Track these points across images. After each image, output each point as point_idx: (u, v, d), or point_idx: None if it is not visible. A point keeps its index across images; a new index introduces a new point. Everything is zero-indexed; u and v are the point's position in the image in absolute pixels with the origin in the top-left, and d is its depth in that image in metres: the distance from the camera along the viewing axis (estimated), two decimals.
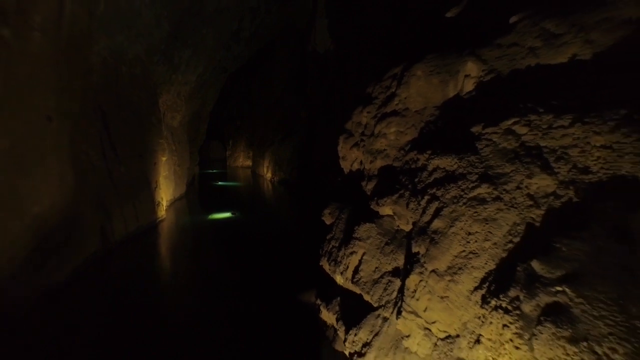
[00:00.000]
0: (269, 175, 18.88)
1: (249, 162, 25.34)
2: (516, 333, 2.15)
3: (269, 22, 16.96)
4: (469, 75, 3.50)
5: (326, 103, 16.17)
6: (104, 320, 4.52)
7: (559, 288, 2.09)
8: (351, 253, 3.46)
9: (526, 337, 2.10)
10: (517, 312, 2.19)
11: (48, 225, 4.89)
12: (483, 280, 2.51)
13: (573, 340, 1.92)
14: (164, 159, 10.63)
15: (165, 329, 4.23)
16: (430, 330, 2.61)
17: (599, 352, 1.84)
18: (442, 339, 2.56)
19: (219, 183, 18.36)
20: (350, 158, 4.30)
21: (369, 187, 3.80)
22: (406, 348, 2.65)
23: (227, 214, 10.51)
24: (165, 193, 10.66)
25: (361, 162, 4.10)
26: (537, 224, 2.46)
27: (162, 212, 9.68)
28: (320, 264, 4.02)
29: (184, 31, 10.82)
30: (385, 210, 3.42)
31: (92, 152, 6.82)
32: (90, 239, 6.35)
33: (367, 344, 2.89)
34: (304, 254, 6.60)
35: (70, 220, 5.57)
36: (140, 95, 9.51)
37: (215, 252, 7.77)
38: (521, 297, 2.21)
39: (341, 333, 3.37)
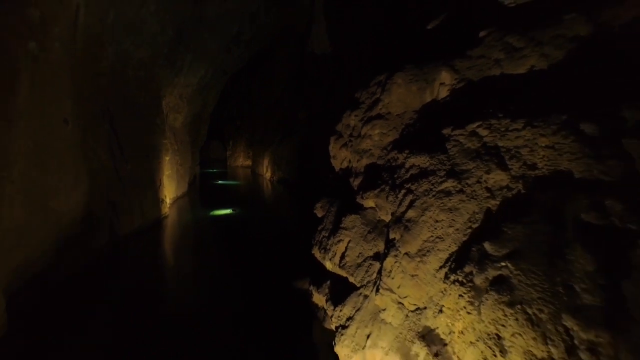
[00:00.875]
0: (268, 174, 19.31)
1: (248, 162, 25.77)
2: (469, 301, 2.59)
3: (269, 24, 17.37)
4: (444, 83, 3.94)
5: (326, 104, 16.59)
6: (120, 305, 4.96)
7: (503, 264, 2.53)
8: (338, 241, 3.90)
9: (476, 304, 2.54)
10: (470, 284, 2.63)
11: (65, 220, 5.33)
12: (447, 260, 2.96)
13: (510, 304, 2.36)
14: (167, 158, 11.07)
15: (170, 315, 4.68)
16: (402, 304, 3.05)
17: (529, 312, 2.28)
18: (412, 311, 3.00)
19: (219, 182, 18.80)
20: (340, 157, 4.74)
21: (355, 182, 4.24)
22: (382, 319, 3.09)
23: (227, 210, 10.97)
24: (169, 191, 11.10)
25: (349, 161, 4.53)
26: (492, 212, 2.90)
27: (165, 209, 10.13)
28: (312, 252, 4.46)
29: (186, 36, 11.25)
30: (369, 203, 3.86)
31: (102, 151, 7.26)
32: (100, 233, 6.79)
33: (350, 318, 3.33)
34: (299, 247, 7.03)
35: (82, 216, 6.01)
36: (145, 97, 9.96)
37: (217, 245, 8.23)
38: (474, 272, 2.65)
39: (330, 312, 3.81)
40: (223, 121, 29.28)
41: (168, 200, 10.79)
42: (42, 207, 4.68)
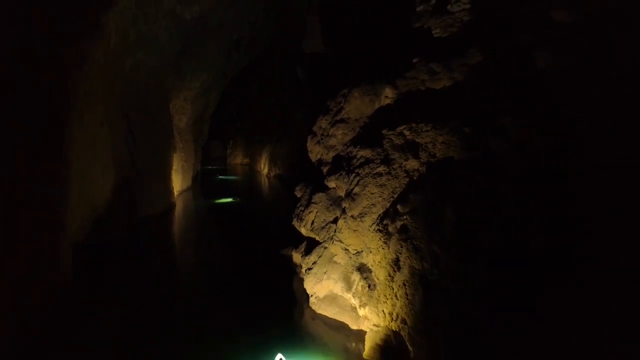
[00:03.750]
0: (265, 171, 20.69)
1: (247, 160, 27.13)
2: (384, 242, 4.00)
3: (267, 30, 18.70)
4: (387, 96, 5.34)
5: (320, 104, 17.90)
6: (145, 263, 6.40)
7: (405, 217, 3.94)
8: (309, 212, 5.31)
9: (387, 243, 3.95)
10: (386, 231, 4.04)
11: (98, 203, 6.73)
12: (376, 219, 4.36)
13: (405, 240, 3.77)
14: (174, 155, 12.47)
15: (183, 279, 6.12)
16: (348, 249, 4.46)
17: (415, 244, 3.69)
18: (354, 254, 4.40)
19: (220, 177, 20.26)
20: (315, 151, 6.14)
21: (324, 170, 5.65)
22: (334, 261, 4.50)
23: (228, 199, 12.45)
24: (176, 184, 12.50)
25: (321, 154, 5.94)
26: (407, 187, 4.31)
27: (174, 199, 11.55)
28: (292, 223, 5.87)
29: (191, 44, 12.62)
30: (332, 184, 5.27)
31: (122, 148, 8.65)
32: (122, 216, 8.19)
33: (314, 263, 4.74)
34: (287, 226, 8.45)
35: (109, 201, 7.41)
36: (155, 101, 11.35)
37: (221, 224, 9.74)
38: (389, 223, 4.06)
39: (302, 263, 5.22)
40: (223, 122, 30.60)
41: (175, 193, 12.18)
42: (84, 190, 6.08)
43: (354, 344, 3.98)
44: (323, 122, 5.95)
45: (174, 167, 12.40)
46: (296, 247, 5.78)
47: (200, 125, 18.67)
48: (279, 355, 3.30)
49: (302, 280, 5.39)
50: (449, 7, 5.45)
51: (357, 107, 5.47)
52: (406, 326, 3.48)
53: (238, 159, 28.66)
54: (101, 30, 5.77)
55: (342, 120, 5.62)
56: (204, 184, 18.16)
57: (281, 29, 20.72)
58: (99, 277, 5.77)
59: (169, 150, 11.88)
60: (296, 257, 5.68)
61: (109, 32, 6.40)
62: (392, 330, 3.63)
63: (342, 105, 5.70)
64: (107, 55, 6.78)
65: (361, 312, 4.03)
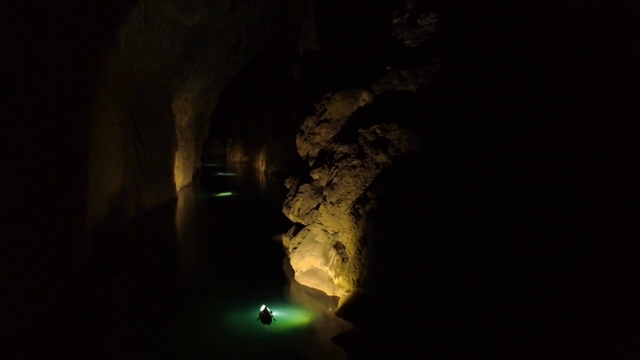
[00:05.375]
0: (263, 168, 21.47)
1: (246, 158, 27.91)
2: (355, 222, 4.78)
3: (264, 35, 19.45)
4: (364, 99, 6.10)
5: (312, 104, 18.66)
6: (152, 255, 7.19)
7: (372, 202, 4.72)
8: (296, 200, 6.09)
9: (358, 223, 4.73)
10: (357, 213, 4.82)
11: (109, 195, 7.51)
12: (351, 204, 5.13)
13: (372, 220, 4.55)
14: (176, 152, 13.23)
15: (189, 263, 6.91)
16: (327, 231, 5.25)
17: (379, 223, 4.46)
18: (332, 234, 5.19)
19: (220, 173, 21.09)
20: (303, 148, 6.92)
21: (310, 164, 6.43)
22: (316, 241, 5.29)
23: (228, 193, 13.31)
24: (178, 179, 13.28)
25: (308, 150, 6.71)
26: (376, 177, 5.08)
27: (175, 193, 12.33)
28: (282, 211, 6.65)
29: (192, 50, 13.36)
30: (316, 176, 6.05)
31: (129, 146, 9.42)
32: (130, 208, 8.97)
33: (299, 243, 5.53)
34: (280, 217, 9.24)
35: (119, 194, 8.19)
36: (159, 102, 12.11)
37: (220, 214, 10.61)
38: (360, 207, 4.84)
39: (290, 245, 6.00)
40: (223, 121, 31.39)
41: (177, 188, 12.96)
42: (99, 183, 6.86)
43: (330, 308, 4.75)
44: (310, 122, 6.73)
45: (175, 164, 13.17)
46: (285, 232, 6.56)
47: (201, 124, 19.42)
48: (263, 306, 4.07)
49: (289, 261, 6.18)
50: (418, 20, 6.21)
51: (339, 108, 6.25)
52: (370, 289, 4.26)
53: (237, 157, 29.43)
54: (114, 41, 6.54)
55: (325, 120, 6.40)
56: (205, 180, 18.98)
57: (278, 31, 21.39)
58: (113, 255, 6.58)
59: (171, 148, 12.65)
60: (285, 240, 6.46)
61: (120, 41, 7.17)
62: (359, 294, 4.42)
63: (325, 107, 6.48)
64: (118, 62, 7.55)
65: (336, 281, 4.82)
